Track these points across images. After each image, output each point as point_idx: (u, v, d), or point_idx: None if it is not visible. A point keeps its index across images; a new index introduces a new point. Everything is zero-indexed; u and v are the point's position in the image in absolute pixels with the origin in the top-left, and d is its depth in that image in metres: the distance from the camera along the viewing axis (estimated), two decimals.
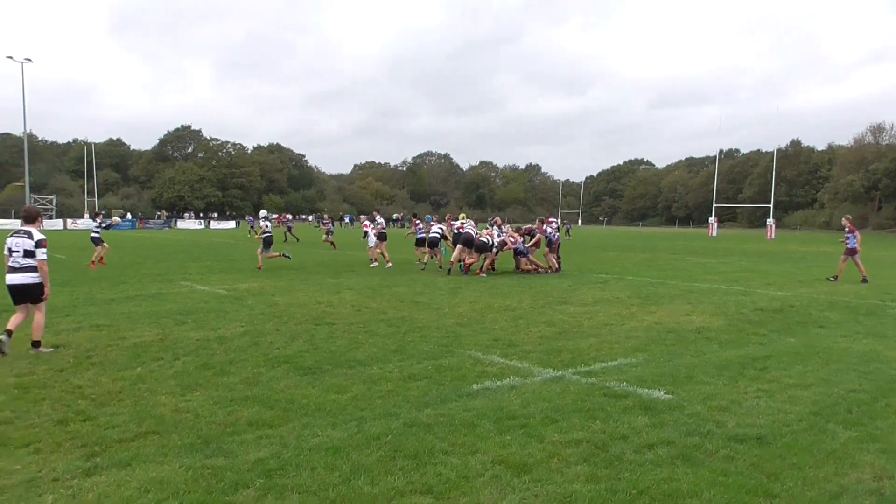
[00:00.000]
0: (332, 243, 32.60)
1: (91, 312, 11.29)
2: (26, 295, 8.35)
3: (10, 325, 8.20)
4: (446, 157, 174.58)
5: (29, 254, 8.32)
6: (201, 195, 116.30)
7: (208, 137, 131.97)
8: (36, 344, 8.26)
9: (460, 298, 13.25)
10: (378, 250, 21.50)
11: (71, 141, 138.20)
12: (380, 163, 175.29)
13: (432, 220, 24.55)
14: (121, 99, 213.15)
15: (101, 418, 5.71)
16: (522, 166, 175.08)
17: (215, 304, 12.26)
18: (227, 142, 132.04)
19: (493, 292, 14.31)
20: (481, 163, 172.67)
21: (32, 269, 8.32)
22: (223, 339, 8.99)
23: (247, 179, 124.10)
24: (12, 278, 8.31)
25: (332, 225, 37.38)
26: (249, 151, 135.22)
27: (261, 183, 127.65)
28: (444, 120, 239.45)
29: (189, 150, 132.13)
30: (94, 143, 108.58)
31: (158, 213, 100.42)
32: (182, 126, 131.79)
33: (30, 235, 8.35)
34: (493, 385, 6.79)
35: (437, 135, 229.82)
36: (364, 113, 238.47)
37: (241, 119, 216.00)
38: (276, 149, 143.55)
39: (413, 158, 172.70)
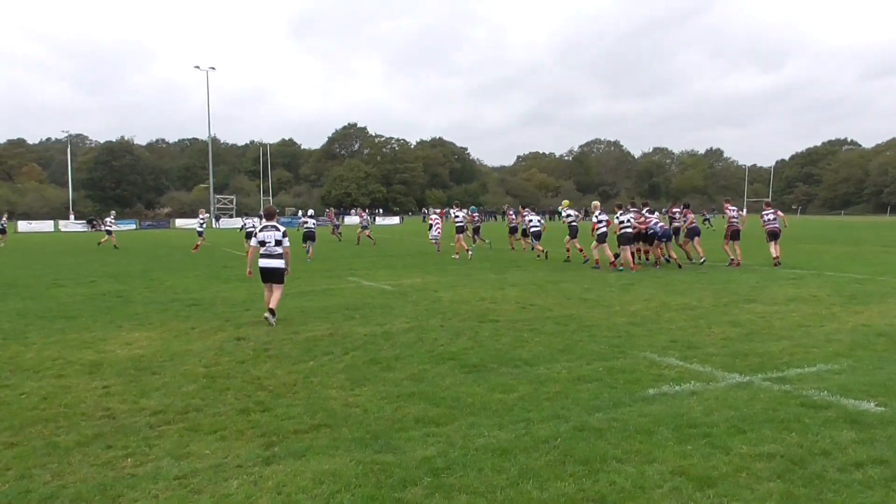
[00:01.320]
0: (369, 238, 34.54)
1: None
2: (274, 276, 10.80)
3: (268, 304, 10.66)
4: (616, 144, 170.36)
5: (278, 243, 10.83)
6: (367, 191, 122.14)
7: (373, 134, 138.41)
8: (272, 312, 10.62)
9: (633, 296, 12.87)
10: (446, 240, 26.02)
11: (248, 143, 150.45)
12: (544, 153, 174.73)
13: (476, 211, 28.74)
14: (294, 100, 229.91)
15: (278, 409, 6.17)
16: (702, 151, 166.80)
17: (381, 300, 12.81)
18: (392, 138, 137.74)
19: (669, 289, 13.76)
20: (655, 149, 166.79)
21: (281, 256, 10.83)
22: (389, 335, 9.39)
23: (410, 175, 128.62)
24: (267, 262, 10.81)
25: (337, 220, 41.68)
26: (413, 146, 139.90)
27: (423, 178, 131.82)
28: (617, 105, 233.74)
29: (355, 147, 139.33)
30: (269, 144, 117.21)
31: (327, 209, 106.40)
32: (349, 124, 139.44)
33: (277, 228, 10.93)
34: (670, 390, 6.53)
35: (608, 121, 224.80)
36: (531, 102, 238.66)
37: (406, 114, 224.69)
38: (438, 143, 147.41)
39: (580, 147, 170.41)
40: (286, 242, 10.87)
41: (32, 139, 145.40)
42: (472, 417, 5.83)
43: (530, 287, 14.52)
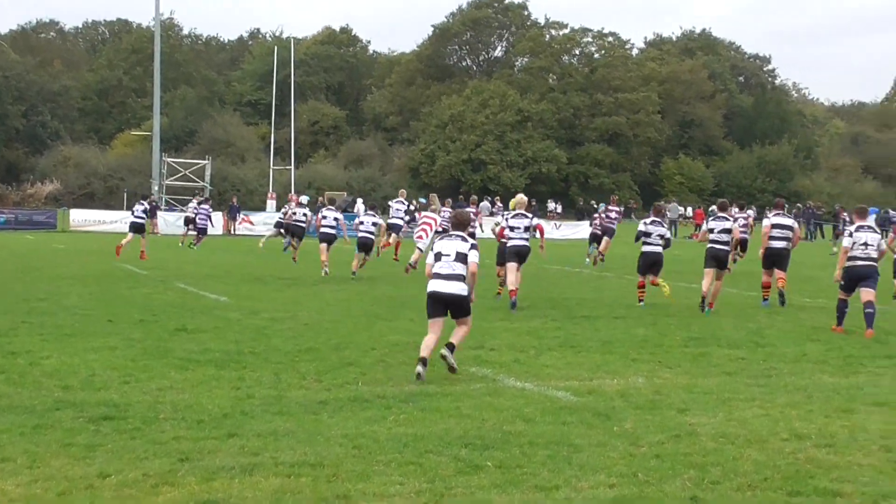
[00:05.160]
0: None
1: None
2: (456, 307, 16.60)
3: (425, 353, 15.72)
4: None
5: (461, 258, 16.33)
6: (520, 158, 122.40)
7: (544, 21, 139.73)
8: (450, 347, 16.05)
9: None
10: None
11: (245, 36, 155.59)
12: None
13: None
14: None
15: None
16: None
17: (547, 427, 12.87)
18: (586, 30, 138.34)
19: None
20: None
21: (463, 277, 16.48)
22: None
23: (628, 118, 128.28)
24: (444, 286, 16.37)
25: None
26: (635, 53, 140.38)
27: (661, 127, 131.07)
28: None
29: (497, 52, 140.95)
30: (295, 40, 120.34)
31: (423, 199, 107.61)
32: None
33: (464, 238, 16.80)
34: None
35: None
36: None
37: None
38: (697, 43, 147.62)
39: None
40: (474, 257, 16.45)
41: None
42: None
43: None
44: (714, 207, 38.21)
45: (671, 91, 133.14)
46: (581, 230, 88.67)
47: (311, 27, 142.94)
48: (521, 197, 30.45)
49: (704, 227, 29.94)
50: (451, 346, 15.94)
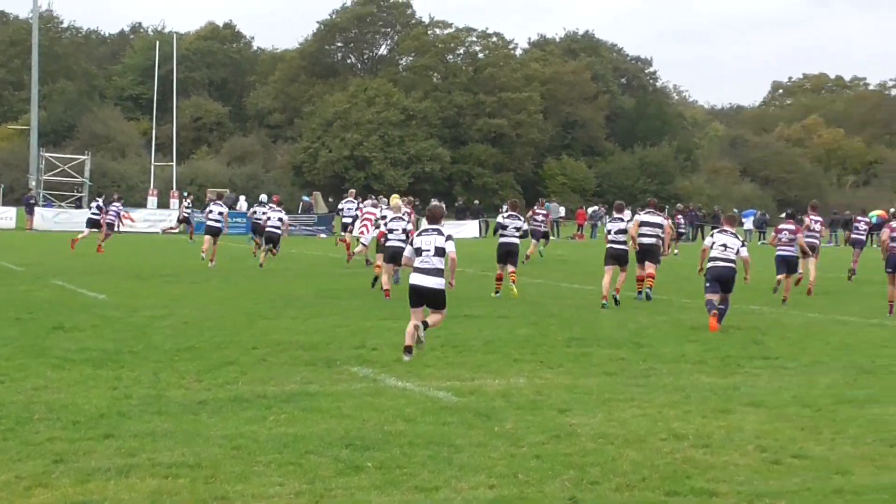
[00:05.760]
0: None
1: None
2: (432, 300, 18.71)
3: (409, 341, 18.10)
4: None
5: (440, 252, 18.66)
6: (403, 157, 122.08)
7: (428, 20, 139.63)
8: (419, 336, 18.02)
9: None
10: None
11: (126, 30, 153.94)
12: (842, 80, 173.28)
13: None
14: None
15: None
16: None
17: (428, 427, 12.90)
18: (470, 30, 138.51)
19: None
20: None
21: (441, 272, 18.82)
22: None
23: (511, 118, 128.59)
24: (422, 280, 18.54)
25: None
26: (519, 53, 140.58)
27: (544, 128, 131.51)
28: None
29: (381, 50, 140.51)
30: (176, 34, 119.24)
31: (306, 198, 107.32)
32: None
33: (440, 232, 18.82)
34: None
35: None
36: None
37: None
38: (581, 45, 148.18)
39: None
40: (451, 247, 18.55)
41: None
42: None
43: (793, 410, 14.87)
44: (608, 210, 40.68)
45: (554, 92, 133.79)
46: (464, 230, 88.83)
47: (194, 22, 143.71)
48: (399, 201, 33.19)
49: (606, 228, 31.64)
50: (424, 324, 18.00)
